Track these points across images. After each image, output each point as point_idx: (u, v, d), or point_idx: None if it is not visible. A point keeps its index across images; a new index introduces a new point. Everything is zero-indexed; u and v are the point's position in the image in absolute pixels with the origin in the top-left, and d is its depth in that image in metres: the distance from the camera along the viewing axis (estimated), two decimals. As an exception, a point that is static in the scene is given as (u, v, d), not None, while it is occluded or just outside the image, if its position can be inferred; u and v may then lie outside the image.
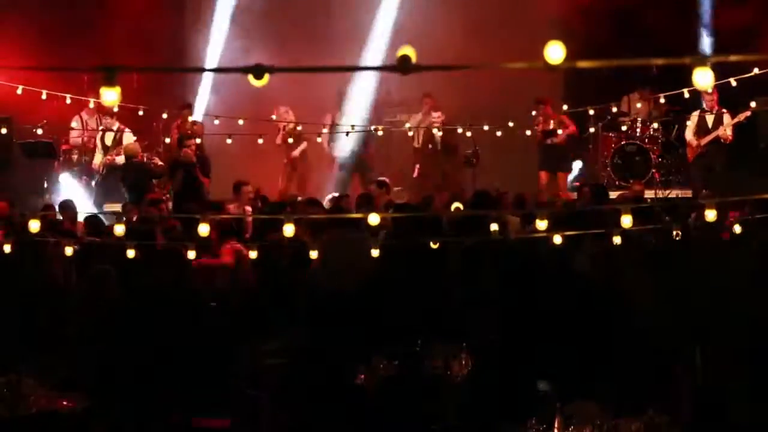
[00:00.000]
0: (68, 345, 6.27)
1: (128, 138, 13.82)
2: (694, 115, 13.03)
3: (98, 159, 13.98)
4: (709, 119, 12.79)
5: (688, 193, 12.89)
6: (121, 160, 13.53)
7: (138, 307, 6.41)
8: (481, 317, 6.21)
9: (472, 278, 6.61)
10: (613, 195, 11.13)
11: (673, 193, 13.19)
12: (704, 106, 12.86)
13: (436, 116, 14.14)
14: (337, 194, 12.25)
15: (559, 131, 13.33)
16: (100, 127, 14.03)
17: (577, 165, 14.70)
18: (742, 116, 12.64)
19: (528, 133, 13.38)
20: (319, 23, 15.34)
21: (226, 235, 8.08)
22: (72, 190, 13.60)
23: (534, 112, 13.39)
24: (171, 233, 8.13)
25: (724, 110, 12.70)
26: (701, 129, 12.85)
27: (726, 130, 12.63)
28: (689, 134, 13.05)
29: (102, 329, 6.27)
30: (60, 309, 6.68)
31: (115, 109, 12.97)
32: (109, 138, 13.84)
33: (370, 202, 9.96)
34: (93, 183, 13.96)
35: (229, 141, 13.24)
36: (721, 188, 11.06)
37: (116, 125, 13.88)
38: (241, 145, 13.59)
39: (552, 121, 13.39)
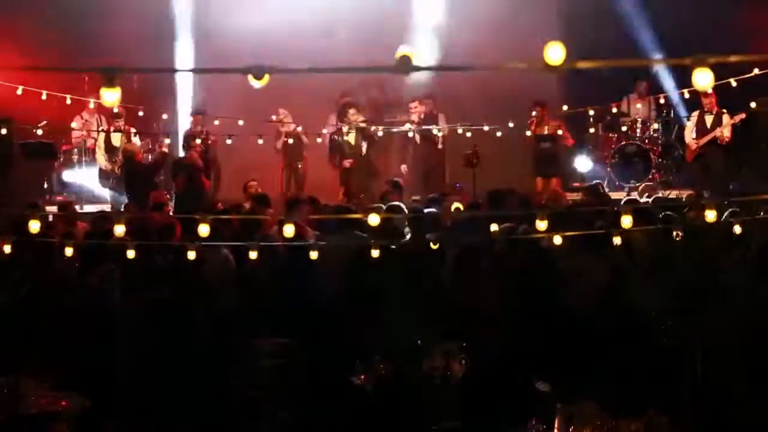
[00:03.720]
0: (68, 345, 6.26)
1: (134, 139, 13.61)
2: (694, 116, 13.09)
3: (102, 161, 13.62)
4: (708, 120, 12.83)
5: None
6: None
7: (138, 308, 6.41)
8: (480, 317, 6.21)
9: (472, 278, 6.59)
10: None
11: (673, 194, 13.19)
12: (704, 107, 12.90)
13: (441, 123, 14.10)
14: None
15: (557, 133, 13.34)
16: (102, 128, 13.77)
17: (587, 164, 14.71)
18: (737, 118, 12.68)
19: (528, 133, 13.36)
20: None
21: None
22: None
23: (534, 113, 13.37)
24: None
25: (724, 111, 12.74)
26: (700, 130, 12.90)
27: (723, 131, 12.66)
28: (688, 135, 13.10)
29: (101, 330, 6.27)
30: (61, 309, 6.66)
31: (115, 110, 12.85)
32: (116, 139, 13.53)
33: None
34: (108, 185, 13.51)
35: (228, 141, 13.22)
36: (722, 190, 11.08)
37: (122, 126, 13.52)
38: (242, 146, 13.58)
39: (546, 127, 13.37)
